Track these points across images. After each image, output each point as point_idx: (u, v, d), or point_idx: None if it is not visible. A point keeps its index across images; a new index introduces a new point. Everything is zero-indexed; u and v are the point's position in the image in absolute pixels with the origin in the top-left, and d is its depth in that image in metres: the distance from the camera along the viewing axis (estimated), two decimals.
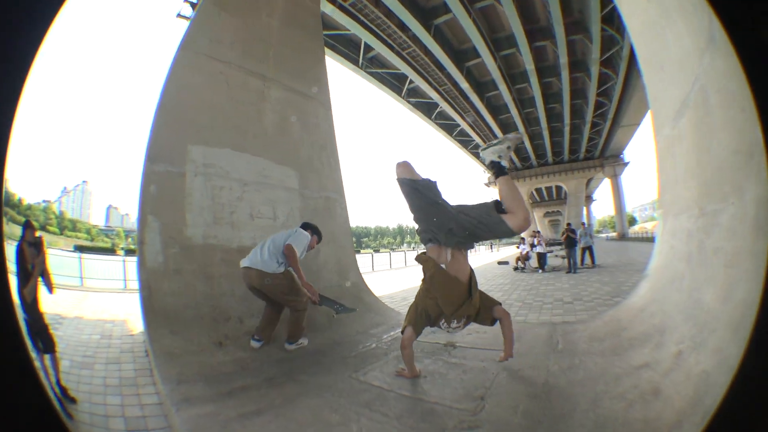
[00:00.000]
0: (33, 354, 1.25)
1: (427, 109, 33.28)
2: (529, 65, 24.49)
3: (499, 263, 19.52)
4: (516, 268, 14.82)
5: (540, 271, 13.71)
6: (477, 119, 33.48)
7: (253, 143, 4.80)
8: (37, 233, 2.96)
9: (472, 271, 2.89)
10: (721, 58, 1.96)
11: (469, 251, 2.89)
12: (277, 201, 4.96)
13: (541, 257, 14.05)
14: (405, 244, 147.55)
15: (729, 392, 1.21)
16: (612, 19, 20.89)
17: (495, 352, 3.26)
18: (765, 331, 1.17)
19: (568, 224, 14.11)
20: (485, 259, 26.51)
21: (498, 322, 2.97)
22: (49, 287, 3.06)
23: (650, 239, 32.24)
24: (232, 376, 3.00)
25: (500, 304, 3.03)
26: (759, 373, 1.16)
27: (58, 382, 3.01)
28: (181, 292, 3.72)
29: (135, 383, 3.39)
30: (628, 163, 50.25)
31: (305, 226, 4.03)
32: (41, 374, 1.26)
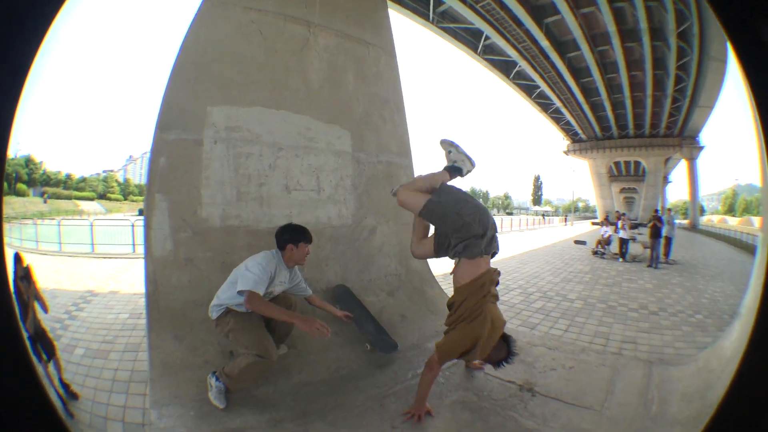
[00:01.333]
0: (33, 355, 1.16)
1: (505, 67, 31.21)
2: (611, 26, 22.64)
3: (576, 242, 18.56)
4: (595, 252, 13.87)
5: (620, 259, 12.70)
6: (558, 81, 31.01)
7: (293, 99, 3.86)
8: (25, 263, 2.76)
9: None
10: None
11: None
12: (323, 168, 4.01)
13: (624, 244, 12.94)
14: None
15: (729, 392, 1.19)
16: None
17: (583, 410, 2.45)
18: (765, 331, 1.16)
19: (656, 210, 12.82)
20: (560, 235, 25.10)
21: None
22: (44, 308, 2.88)
23: (717, 236, 29.73)
24: (231, 407, 2.35)
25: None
26: (759, 373, 1.13)
27: (60, 379, 2.84)
28: (192, 286, 3.03)
29: (145, 379, 2.91)
30: (704, 147, 45.91)
31: (279, 232, 2.75)
32: (41, 373, 1.20)
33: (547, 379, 2.87)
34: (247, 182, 3.52)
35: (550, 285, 8.13)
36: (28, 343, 1.13)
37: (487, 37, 25.56)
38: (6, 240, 1.27)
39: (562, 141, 51.26)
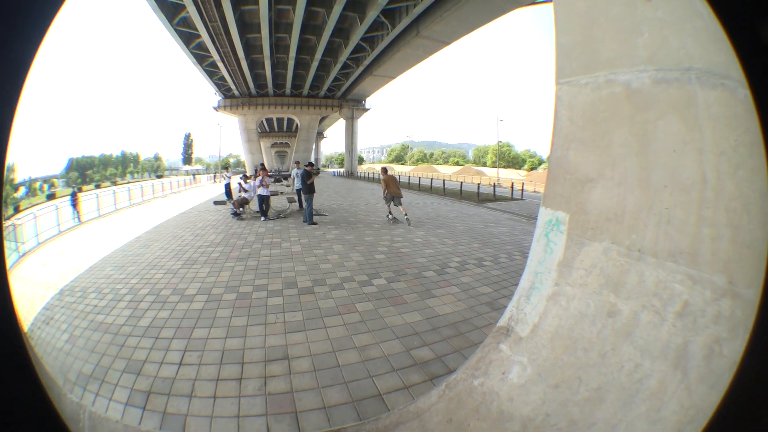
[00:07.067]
0: (32, 354, 1.06)
1: (172, 11, 26.12)
2: None
3: (216, 203, 16.99)
4: (235, 213, 12.53)
5: (264, 218, 11.67)
6: (221, 33, 27.72)
7: None
8: None
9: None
10: None
11: None
12: None
13: (264, 202, 11.89)
14: (129, 175, 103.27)
15: (729, 392, 1.16)
16: None
17: None
18: (765, 331, 1.13)
19: (311, 164, 11.95)
20: (205, 196, 22.95)
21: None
22: None
23: (374, 180, 35.87)
24: None
25: None
26: (759, 374, 1.11)
27: None
28: None
29: None
30: (369, 109, 51.84)
31: None
32: (42, 373, 1.10)
33: None
34: None
35: (168, 276, 6.09)
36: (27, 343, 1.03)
37: None
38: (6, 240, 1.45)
39: (215, 96, 48.40)
